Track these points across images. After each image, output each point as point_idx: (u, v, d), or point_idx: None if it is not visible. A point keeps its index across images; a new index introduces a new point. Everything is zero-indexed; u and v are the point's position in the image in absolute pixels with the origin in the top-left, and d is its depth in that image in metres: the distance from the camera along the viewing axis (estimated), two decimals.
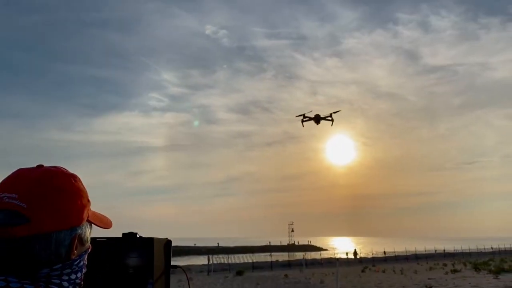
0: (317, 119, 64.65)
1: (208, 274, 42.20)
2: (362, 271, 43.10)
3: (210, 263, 47.15)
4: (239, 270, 42.77)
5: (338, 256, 67.48)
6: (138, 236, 2.32)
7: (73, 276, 1.66)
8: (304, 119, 64.68)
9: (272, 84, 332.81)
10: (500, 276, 30.65)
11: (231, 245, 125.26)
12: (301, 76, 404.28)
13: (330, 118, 64.37)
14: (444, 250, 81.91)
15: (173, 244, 2.37)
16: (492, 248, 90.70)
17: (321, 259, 63.72)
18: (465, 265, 46.87)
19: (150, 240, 2.30)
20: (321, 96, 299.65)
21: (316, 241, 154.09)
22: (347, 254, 75.78)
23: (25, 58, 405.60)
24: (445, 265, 49.77)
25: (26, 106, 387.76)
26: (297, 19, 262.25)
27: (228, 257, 54.20)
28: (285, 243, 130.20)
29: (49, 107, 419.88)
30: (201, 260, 59.62)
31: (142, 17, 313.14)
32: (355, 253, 75.66)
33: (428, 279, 30.75)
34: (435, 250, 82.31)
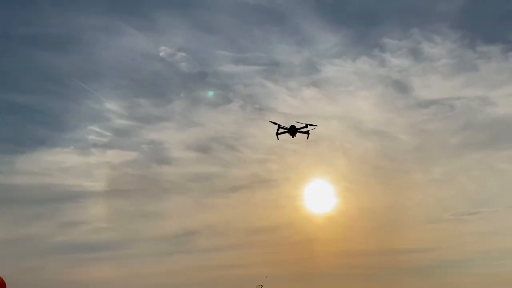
0: (293, 130, 63.13)
1: None
2: None
3: None
4: None
5: None
6: None
7: None
8: (279, 131, 62.67)
9: (239, 117, 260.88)
10: None
11: None
12: (274, 108, 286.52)
13: (306, 130, 62.64)
14: None
15: None
16: None
17: None
18: None
19: None
20: (298, 133, 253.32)
21: None
22: None
23: None
24: None
25: None
26: (269, 42, 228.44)
27: None
28: None
29: None
30: None
31: (81, 34, 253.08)
32: None
33: None
34: None
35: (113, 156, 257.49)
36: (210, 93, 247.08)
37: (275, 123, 63.69)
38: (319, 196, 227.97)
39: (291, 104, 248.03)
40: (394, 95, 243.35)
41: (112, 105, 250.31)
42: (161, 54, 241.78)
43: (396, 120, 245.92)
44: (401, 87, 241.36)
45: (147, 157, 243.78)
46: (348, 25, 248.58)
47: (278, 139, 63.67)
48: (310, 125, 64.30)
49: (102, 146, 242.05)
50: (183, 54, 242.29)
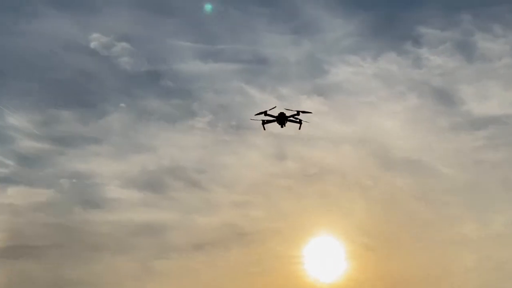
0: (281, 119, 57.97)
1: None
2: None
3: None
4: None
5: None
6: None
7: None
8: (265, 120, 57.40)
9: (207, 139, 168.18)
10: None
11: None
12: (259, 125, 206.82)
13: (297, 119, 57.70)
14: None
15: None
16: None
17: None
18: None
19: None
20: (293, 162, 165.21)
21: None
22: None
23: None
24: None
25: None
26: (253, 29, 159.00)
27: None
28: None
29: None
30: None
31: None
32: None
33: None
34: None
35: (17, 195, 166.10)
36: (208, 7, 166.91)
37: (260, 113, 55.26)
38: (324, 258, 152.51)
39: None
40: (435, 109, 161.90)
41: (17, 120, 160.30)
42: (93, 44, 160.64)
43: (437, 146, 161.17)
44: (445, 98, 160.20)
45: (68, 197, 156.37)
46: (367, 7, 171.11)
47: (264, 129, 58.29)
48: (303, 112, 57.04)
49: (2, 180, 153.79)
50: (125, 44, 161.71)
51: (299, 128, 60.21)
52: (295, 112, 59.16)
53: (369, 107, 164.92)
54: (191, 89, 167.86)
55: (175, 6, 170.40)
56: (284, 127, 60.60)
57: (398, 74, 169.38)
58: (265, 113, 59.30)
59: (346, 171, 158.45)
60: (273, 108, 58.76)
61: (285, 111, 59.96)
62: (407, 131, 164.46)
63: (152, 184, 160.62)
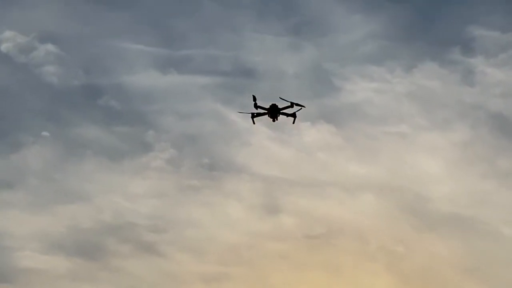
0: (273, 111, 54.05)
1: None
2: None
3: None
4: None
5: None
6: None
7: None
8: (255, 113, 54.20)
9: (165, 183, 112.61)
10: None
11: None
12: (241, 165, 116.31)
13: (291, 112, 54.50)
14: None
15: None
16: None
17: None
18: None
19: None
20: (289, 218, 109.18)
21: None
22: None
23: None
24: None
25: None
26: (233, 28, 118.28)
27: None
28: None
29: None
30: None
31: None
32: None
33: None
34: None
35: None
36: None
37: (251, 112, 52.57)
38: None
39: (279, 157, 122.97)
40: (494, 143, 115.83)
41: None
42: (4, 46, 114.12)
43: (498, 197, 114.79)
44: (509, 128, 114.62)
45: None
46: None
47: (254, 123, 54.62)
48: (297, 104, 53.13)
49: None
50: (50, 47, 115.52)
51: (293, 122, 56.92)
52: (289, 104, 54.21)
53: (399, 140, 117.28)
54: (144, 112, 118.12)
55: None
56: (276, 120, 56.46)
57: (440, 93, 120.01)
58: (255, 104, 54.76)
59: (366, 232, 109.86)
60: (254, 99, 54.13)
61: (277, 104, 54.48)
62: (454, 175, 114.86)
63: (86, 248, 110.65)
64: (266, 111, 56.74)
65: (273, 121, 58.45)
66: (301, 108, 57.54)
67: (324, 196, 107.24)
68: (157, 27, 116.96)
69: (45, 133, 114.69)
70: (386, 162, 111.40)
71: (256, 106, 56.53)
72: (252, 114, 57.25)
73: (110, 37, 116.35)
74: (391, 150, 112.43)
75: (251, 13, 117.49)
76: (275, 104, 56.60)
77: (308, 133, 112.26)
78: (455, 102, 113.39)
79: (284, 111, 57.12)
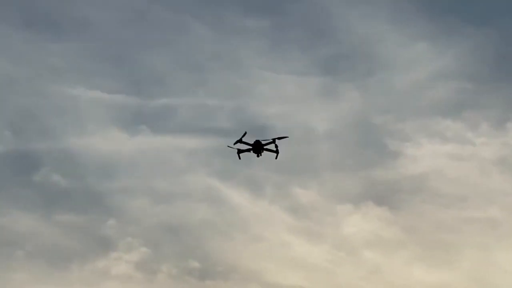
0: (257, 147, 58.39)
1: None
2: None
3: None
4: None
5: None
6: None
7: None
8: (240, 149, 58.45)
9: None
10: None
11: None
12: (249, 268, 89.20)
13: (274, 149, 58.39)
14: None
15: None
16: None
17: None
18: None
19: None
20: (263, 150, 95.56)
21: None
22: None
23: None
24: None
25: None
26: (235, 63, 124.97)
27: None
28: None
29: None
30: None
31: None
32: None
33: None
34: None
35: None
36: None
37: (236, 142, 57.45)
38: None
39: (305, 258, 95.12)
40: None
41: None
42: None
43: None
44: None
45: None
46: (480, 20, 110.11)
47: (239, 158, 58.55)
48: (279, 138, 57.87)
49: None
50: None
51: (276, 158, 59.22)
52: (270, 140, 58.55)
53: (488, 230, 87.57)
54: (102, 192, 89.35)
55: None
56: (260, 156, 59.70)
57: None
58: (240, 140, 58.17)
59: None
60: (244, 134, 58.11)
61: (261, 140, 59.64)
62: None
63: None
64: (250, 147, 59.55)
65: (257, 156, 60.49)
66: (284, 138, 60.04)
67: None
68: (121, 64, 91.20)
69: None
70: (468, 266, 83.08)
71: (241, 142, 58.62)
72: (238, 150, 59.18)
73: (50, 81, 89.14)
74: (475, 246, 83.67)
75: (260, 41, 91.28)
76: (258, 140, 59.04)
77: (350, 220, 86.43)
78: None
79: (267, 146, 59.68)
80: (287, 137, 59.53)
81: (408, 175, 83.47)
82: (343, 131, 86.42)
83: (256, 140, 58.76)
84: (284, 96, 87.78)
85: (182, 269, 78.07)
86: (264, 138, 59.88)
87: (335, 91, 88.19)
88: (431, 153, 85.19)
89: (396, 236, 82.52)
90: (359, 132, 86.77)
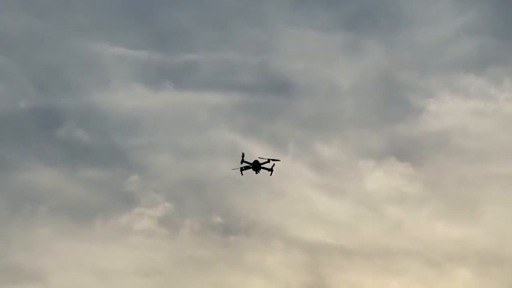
0: (256, 166, 68.58)
1: None
2: None
3: None
4: None
5: None
6: None
7: None
8: (243, 167, 67.76)
9: (158, 255, 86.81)
10: None
11: None
12: (271, 223, 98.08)
13: (269, 167, 68.15)
14: None
15: None
16: None
17: None
18: None
19: None
20: (261, 168, 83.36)
21: None
22: None
23: None
24: None
25: None
26: (258, 20, 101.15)
27: None
28: None
29: None
30: None
31: None
32: None
33: None
34: None
35: None
36: None
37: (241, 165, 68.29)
38: None
39: (327, 213, 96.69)
40: None
41: None
42: None
43: None
44: None
45: None
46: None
47: (242, 174, 68.75)
48: (273, 159, 68.56)
49: None
50: None
51: (270, 175, 69.59)
52: (266, 160, 69.05)
53: (510, 188, 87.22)
54: (125, 147, 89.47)
55: None
56: (258, 173, 69.83)
57: None
58: (242, 160, 68.42)
59: None
60: (243, 155, 68.55)
61: (258, 159, 70.32)
62: None
63: None
64: (251, 166, 68.58)
65: (256, 173, 69.44)
66: (277, 160, 68.99)
67: (396, 272, 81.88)
68: (145, 20, 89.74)
69: None
70: (490, 221, 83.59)
71: (243, 162, 68.05)
72: (241, 168, 67.88)
73: (75, 37, 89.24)
74: (498, 202, 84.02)
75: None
76: (257, 160, 68.73)
77: (372, 176, 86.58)
78: None
79: (263, 165, 68.69)
80: (279, 160, 69.95)
81: (431, 131, 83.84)
82: (366, 87, 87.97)
83: (255, 160, 69.42)
84: (307, 52, 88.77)
85: (204, 224, 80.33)
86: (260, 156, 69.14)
87: (358, 47, 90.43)
88: (454, 109, 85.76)
89: (418, 192, 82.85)
90: (382, 88, 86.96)
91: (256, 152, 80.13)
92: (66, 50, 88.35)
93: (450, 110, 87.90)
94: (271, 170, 69.48)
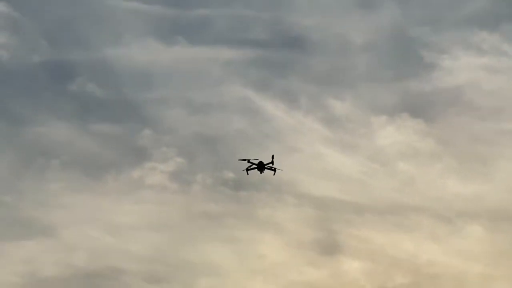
0: (261, 166, 71.05)
1: None
2: None
3: None
4: None
5: None
6: None
7: None
8: (248, 167, 70.27)
9: (169, 209, 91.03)
10: None
11: None
12: (283, 179, 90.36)
13: (273, 167, 70.78)
14: None
15: None
16: None
17: None
18: None
19: None
20: (355, 261, 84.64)
21: None
22: None
23: None
24: None
25: None
26: None
27: None
28: None
29: None
30: None
31: None
32: None
33: None
34: None
35: None
36: None
37: (244, 160, 71.38)
38: None
39: (339, 169, 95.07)
40: None
41: None
42: None
43: None
44: None
45: None
46: None
47: (247, 174, 71.88)
48: (274, 169, 71.13)
49: None
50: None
51: (274, 174, 71.63)
52: (271, 161, 71.15)
53: None
54: (138, 101, 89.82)
55: None
56: (262, 173, 71.75)
57: None
58: (248, 160, 71.14)
59: (472, 283, 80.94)
60: (255, 159, 70.69)
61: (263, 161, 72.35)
62: None
63: None
64: (255, 166, 71.04)
65: (260, 173, 71.61)
66: (280, 170, 70.95)
67: (408, 228, 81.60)
68: None
69: None
70: (502, 178, 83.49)
71: (249, 161, 70.53)
72: (247, 168, 70.32)
73: None
74: (510, 158, 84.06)
75: None
76: (261, 161, 70.70)
77: (385, 132, 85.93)
78: None
79: (267, 166, 70.99)
80: (281, 170, 71.54)
81: (443, 87, 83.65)
82: (380, 43, 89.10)
83: (260, 161, 71.16)
84: (321, 7, 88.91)
85: (216, 180, 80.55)
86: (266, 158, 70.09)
87: (372, 2, 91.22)
88: (467, 65, 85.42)
89: (431, 148, 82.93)
90: (396, 44, 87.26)
91: (267, 107, 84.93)
92: (79, 4, 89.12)
93: (463, 66, 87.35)
94: (274, 170, 71.20)
